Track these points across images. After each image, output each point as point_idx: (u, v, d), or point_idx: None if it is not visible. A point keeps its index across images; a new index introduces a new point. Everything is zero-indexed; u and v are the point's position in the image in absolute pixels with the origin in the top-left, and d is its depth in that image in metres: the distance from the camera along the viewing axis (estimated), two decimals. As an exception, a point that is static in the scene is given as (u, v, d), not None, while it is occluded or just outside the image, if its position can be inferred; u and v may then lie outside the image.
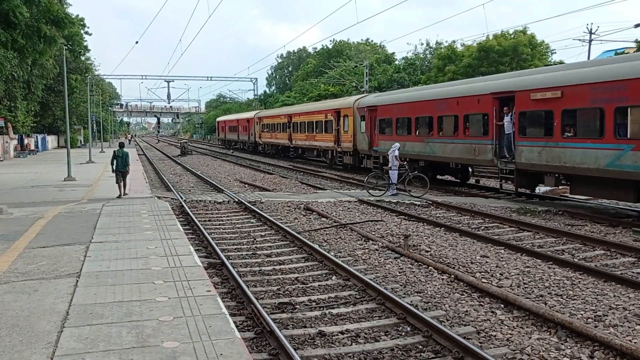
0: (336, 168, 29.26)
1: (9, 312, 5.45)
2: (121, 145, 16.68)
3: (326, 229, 12.07)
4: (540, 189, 17.44)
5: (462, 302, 7.10)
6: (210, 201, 16.39)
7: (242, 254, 9.82)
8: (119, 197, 15.28)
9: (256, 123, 45.98)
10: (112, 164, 15.50)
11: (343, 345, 5.74)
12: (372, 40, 77.15)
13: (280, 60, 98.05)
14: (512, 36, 42.28)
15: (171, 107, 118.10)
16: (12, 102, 37.64)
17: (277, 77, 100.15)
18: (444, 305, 6.99)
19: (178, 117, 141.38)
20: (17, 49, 17.84)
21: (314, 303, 7.09)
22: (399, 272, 8.54)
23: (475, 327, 6.20)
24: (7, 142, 37.68)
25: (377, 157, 23.71)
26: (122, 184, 15.55)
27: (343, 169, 27.99)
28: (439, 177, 21.40)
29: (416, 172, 18.87)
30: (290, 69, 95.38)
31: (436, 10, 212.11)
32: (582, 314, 6.53)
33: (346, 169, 27.80)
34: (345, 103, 27.95)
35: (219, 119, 69.81)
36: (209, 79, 77.36)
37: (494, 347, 5.66)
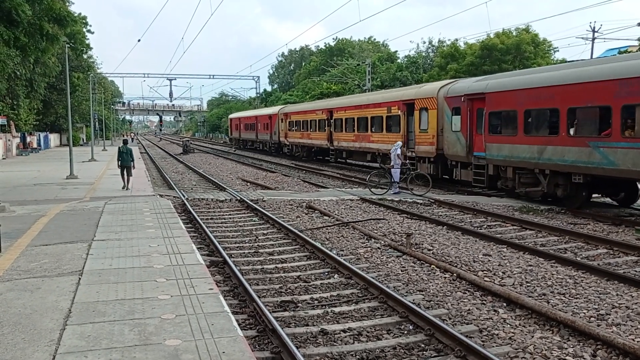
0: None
1: (11, 310, 5.46)
2: (125, 142, 18.27)
3: (328, 228, 12.06)
4: None
5: (465, 300, 7.09)
6: (212, 199, 16.40)
7: (244, 252, 9.82)
8: (124, 187, 16.90)
9: (281, 120, 38.94)
10: (118, 159, 17.24)
11: (345, 344, 5.74)
12: (374, 39, 77.13)
13: (281, 59, 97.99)
14: (514, 34, 42.16)
15: (173, 105, 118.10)
16: (14, 100, 37.68)
17: (279, 75, 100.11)
18: (446, 303, 6.98)
19: (180, 116, 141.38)
20: (20, 47, 17.87)
21: (316, 301, 7.09)
22: (401, 271, 8.53)
23: (478, 326, 6.19)
24: (9, 140, 37.74)
25: (481, 167, 16.78)
26: (126, 177, 17.11)
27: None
28: (595, 196, 15.50)
29: (418, 170, 18.84)
30: (292, 67, 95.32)
31: (441, 9, 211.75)
32: (584, 313, 6.51)
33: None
34: (423, 92, 20.61)
35: (232, 116, 62.37)
36: (211, 77, 77.40)
37: (497, 346, 5.65)
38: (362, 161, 26.87)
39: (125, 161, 17.06)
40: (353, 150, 27.16)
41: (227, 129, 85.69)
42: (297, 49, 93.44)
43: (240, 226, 12.41)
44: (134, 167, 17.50)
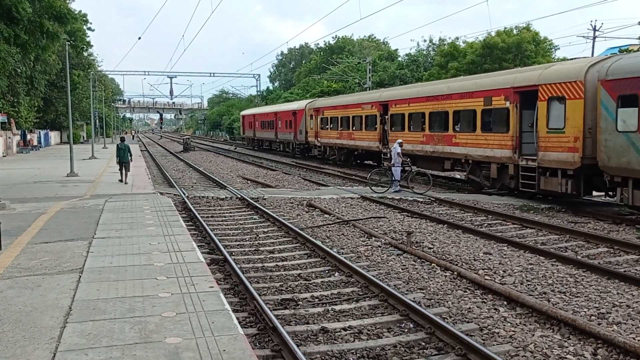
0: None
1: (12, 308, 5.46)
2: (122, 139, 19.47)
3: (329, 226, 12.05)
4: None
5: (465, 299, 7.09)
6: (212, 197, 16.39)
7: (244, 250, 9.82)
8: (120, 181, 18.07)
9: (309, 116, 32.88)
10: (117, 155, 18.48)
11: (346, 342, 5.74)
12: (375, 37, 76.98)
13: (281, 57, 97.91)
14: (515, 33, 42.11)
15: (174, 103, 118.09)
16: (15, 97, 37.67)
17: (280, 73, 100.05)
18: (447, 302, 6.98)
19: (181, 114, 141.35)
20: (20, 44, 17.83)
21: (316, 299, 7.09)
22: (402, 269, 8.53)
23: (478, 324, 6.19)
24: (9, 137, 37.73)
25: None
26: (124, 171, 18.19)
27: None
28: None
29: (418, 168, 18.81)
30: (292, 65, 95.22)
31: (442, 7, 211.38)
32: (585, 312, 6.51)
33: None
34: (556, 74, 14.23)
35: (245, 112, 55.23)
36: (212, 75, 76.99)
37: (497, 344, 5.65)
38: (436, 169, 20.19)
39: (123, 157, 18.19)
40: (421, 155, 20.28)
41: (228, 126, 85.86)
42: (297, 47, 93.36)
43: (241, 224, 12.41)
44: (131, 161, 18.76)
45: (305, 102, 36.39)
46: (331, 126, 29.72)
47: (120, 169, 18.22)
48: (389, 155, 20.33)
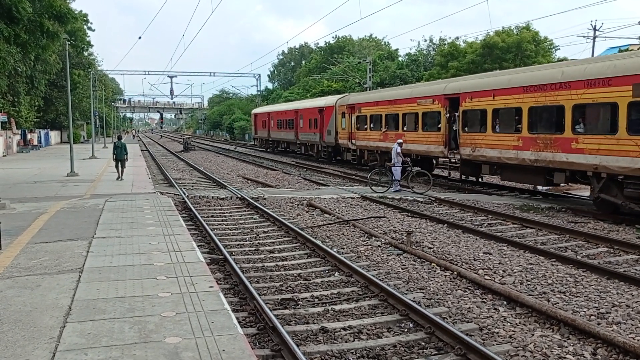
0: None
1: (11, 307, 5.46)
2: (119, 137, 20.74)
3: (329, 225, 12.06)
4: None
5: (465, 298, 7.09)
6: (213, 197, 16.40)
7: (244, 250, 9.82)
8: (118, 178, 18.89)
9: (342, 114, 27.79)
10: (113, 153, 19.47)
11: (345, 342, 5.74)
12: (375, 37, 76.97)
13: (281, 57, 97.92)
14: (515, 33, 42.10)
15: (174, 102, 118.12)
16: (15, 97, 37.68)
17: (280, 73, 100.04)
18: (447, 301, 6.98)
19: (181, 113, 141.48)
20: (20, 44, 17.84)
21: (316, 299, 7.09)
22: (402, 269, 8.53)
23: (478, 324, 6.19)
24: (10, 137, 37.74)
25: None
26: (120, 168, 19.18)
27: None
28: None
29: (419, 168, 18.80)
30: (292, 64, 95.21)
31: (443, 7, 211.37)
32: (585, 311, 6.51)
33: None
34: None
35: (257, 110, 49.63)
36: (212, 74, 77.00)
37: (497, 344, 5.65)
38: (533, 183, 16.55)
39: (119, 155, 19.22)
40: (514, 165, 15.74)
41: (228, 126, 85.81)
42: (297, 47, 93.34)
43: (241, 224, 12.41)
44: (127, 159, 19.76)
45: (336, 97, 30.58)
46: (371, 126, 24.35)
47: (117, 166, 19.30)
48: (456, 161, 18.71)
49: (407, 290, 7.46)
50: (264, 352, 5.32)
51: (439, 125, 19.24)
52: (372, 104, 24.64)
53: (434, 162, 22.24)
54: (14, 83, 36.39)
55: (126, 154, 19.47)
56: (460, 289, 7.47)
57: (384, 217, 12.95)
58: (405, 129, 21.58)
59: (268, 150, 43.57)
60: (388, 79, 48.77)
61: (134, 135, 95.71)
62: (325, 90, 53.00)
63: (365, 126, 25.14)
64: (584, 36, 42.34)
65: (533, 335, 5.87)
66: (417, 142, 20.69)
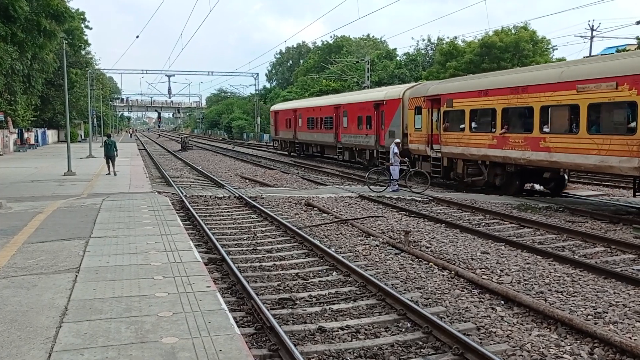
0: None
1: (7, 307, 5.44)
2: (108, 135, 22.50)
3: (327, 225, 12.05)
4: None
5: (463, 298, 7.09)
6: (210, 196, 16.37)
7: (242, 250, 9.80)
8: (108, 174, 19.92)
9: (416, 110, 20.42)
10: (104, 150, 20.84)
11: (343, 341, 5.73)
12: (373, 36, 76.98)
13: (279, 56, 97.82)
14: (513, 32, 42.16)
15: (172, 102, 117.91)
16: (12, 96, 37.55)
17: (277, 72, 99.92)
18: (444, 301, 6.98)
19: (179, 112, 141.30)
20: (17, 42, 17.80)
21: (314, 299, 7.08)
22: (400, 268, 8.53)
23: (476, 324, 6.19)
24: (6, 136, 37.63)
25: None
26: (111, 165, 20.24)
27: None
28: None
29: (417, 168, 18.79)
30: (290, 63, 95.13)
31: (442, 6, 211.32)
32: (582, 311, 6.52)
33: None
34: None
35: (277, 107, 42.31)
36: (210, 73, 77.10)
37: (494, 344, 5.65)
38: None
39: (109, 151, 20.33)
40: None
41: (226, 125, 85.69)
42: (295, 46, 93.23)
43: (239, 223, 12.39)
44: (117, 156, 20.97)
45: (402, 87, 23.32)
46: (473, 125, 17.24)
47: (107, 163, 20.41)
48: None
49: (404, 289, 7.46)
50: (262, 352, 5.31)
51: (632, 125, 12.27)
52: (476, 94, 17.00)
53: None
54: (11, 82, 36.23)
55: (116, 150, 20.73)
56: (458, 289, 7.47)
57: (382, 216, 12.95)
58: (547, 130, 14.43)
59: (293, 154, 36.52)
60: (386, 78, 48.80)
61: (131, 135, 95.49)
62: (323, 89, 52.99)
63: (462, 125, 17.56)
64: (581, 36, 42.40)
65: (530, 334, 5.88)
66: (574, 151, 13.56)
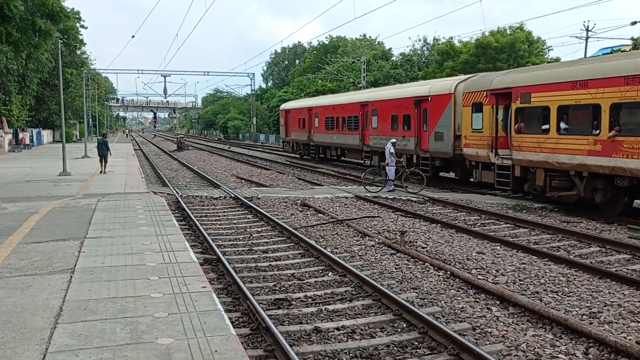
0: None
1: (1, 308, 5.41)
2: (104, 135, 24.03)
3: (323, 225, 12.04)
4: None
5: (458, 298, 7.10)
6: (206, 197, 16.34)
7: (238, 250, 9.79)
8: (101, 172, 20.80)
9: (473, 107, 16.85)
10: (98, 149, 21.75)
11: (339, 342, 5.73)
12: (369, 36, 77.07)
13: (274, 56, 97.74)
14: (509, 33, 42.29)
15: (167, 102, 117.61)
16: (6, 95, 37.36)
17: (273, 73, 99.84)
18: (440, 301, 6.99)
19: (174, 112, 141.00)
20: (12, 42, 17.73)
21: (310, 299, 7.08)
22: (395, 269, 8.54)
23: (471, 324, 6.20)
24: (1, 136, 37.45)
25: None
26: (103, 163, 21.25)
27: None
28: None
29: (413, 168, 18.81)
30: (286, 63, 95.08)
31: (439, 6, 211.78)
32: (577, 311, 6.54)
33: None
34: None
35: (288, 105, 38.06)
36: (206, 73, 76.91)
37: (490, 344, 5.66)
38: None
39: (102, 151, 21.40)
40: None
41: (222, 125, 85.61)
42: (291, 47, 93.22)
43: (234, 224, 12.38)
44: (110, 154, 22.19)
45: (453, 80, 19.46)
46: (566, 126, 13.49)
47: (101, 161, 21.37)
48: None
49: (400, 290, 7.46)
50: (257, 353, 5.30)
51: None
52: (568, 86, 13.31)
53: None
54: (6, 82, 36.06)
55: (108, 150, 21.87)
56: (454, 289, 7.48)
57: (377, 216, 12.96)
58: None
59: (306, 157, 33.09)
60: (382, 78, 48.86)
61: (127, 135, 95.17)
62: (319, 89, 52.99)
63: (545, 126, 14.04)
64: (576, 36, 42.58)
65: (526, 334, 5.89)
66: None
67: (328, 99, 32.48)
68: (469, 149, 17.13)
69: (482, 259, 8.98)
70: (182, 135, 77.34)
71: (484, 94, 16.48)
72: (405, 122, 21.24)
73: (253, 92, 74.78)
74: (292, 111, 35.64)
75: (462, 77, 19.74)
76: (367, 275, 7.77)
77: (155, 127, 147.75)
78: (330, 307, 6.72)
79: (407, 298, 6.97)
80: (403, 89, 23.47)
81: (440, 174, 21.22)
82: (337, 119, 27.85)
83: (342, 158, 29.06)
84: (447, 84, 19.37)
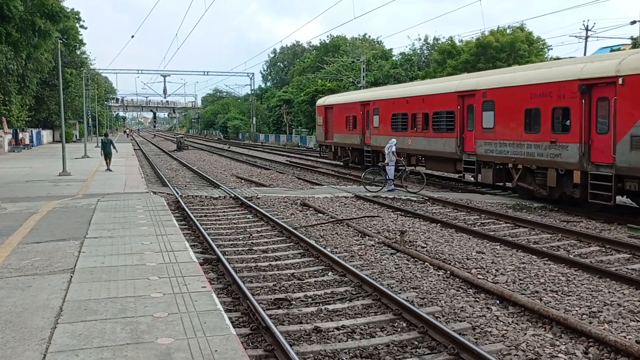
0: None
1: (2, 309, 5.41)
2: (106, 134, 26.72)
3: (323, 225, 12.05)
4: None
5: (458, 298, 7.11)
6: (206, 196, 16.34)
7: (238, 250, 9.79)
8: (107, 170, 21.79)
9: None
10: (102, 148, 22.87)
11: (339, 341, 5.73)
12: (369, 36, 77.08)
13: (273, 56, 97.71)
14: (509, 32, 42.29)
15: (167, 102, 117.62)
16: (6, 96, 37.36)
17: (272, 72, 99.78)
18: (440, 301, 7.00)
19: (174, 112, 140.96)
20: (12, 42, 17.72)
21: (310, 299, 7.08)
22: (395, 268, 8.54)
23: (471, 323, 6.20)
24: (1, 136, 37.45)
25: None
26: (108, 161, 22.39)
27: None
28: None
29: (413, 168, 18.80)
30: (285, 63, 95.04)
31: (439, 5, 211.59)
32: (577, 310, 6.54)
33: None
34: None
35: (332, 100, 29.89)
36: (206, 73, 76.88)
37: (490, 343, 5.66)
38: None
39: (107, 149, 22.42)
40: None
41: (222, 125, 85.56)
42: (289, 46, 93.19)
43: (234, 223, 12.38)
44: (116, 152, 23.69)
45: None
46: None
47: (105, 159, 22.48)
48: None
49: (400, 289, 7.47)
50: (257, 353, 5.30)
51: None
52: None
53: None
54: (6, 82, 36.06)
55: (114, 147, 23.15)
56: (453, 288, 7.49)
57: (377, 216, 12.96)
58: None
59: (358, 166, 25.80)
60: (382, 78, 48.84)
61: (127, 134, 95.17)
62: (319, 89, 52.97)
63: None
64: (576, 36, 42.61)
65: (525, 334, 5.90)
66: None
67: (396, 89, 24.34)
68: None
69: (482, 258, 8.98)
70: (181, 135, 77.33)
71: None
72: (559, 121, 13.66)
73: (253, 92, 74.80)
74: (335, 107, 28.04)
75: None
76: (367, 275, 7.77)
77: (154, 127, 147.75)
78: (330, 307, 6.72)
79: (407, 298, 6.97)
80: (549, 69, 14.56)
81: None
82: (413, 116, 20.48)
83: (417, 169, 20.04)
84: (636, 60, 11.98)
